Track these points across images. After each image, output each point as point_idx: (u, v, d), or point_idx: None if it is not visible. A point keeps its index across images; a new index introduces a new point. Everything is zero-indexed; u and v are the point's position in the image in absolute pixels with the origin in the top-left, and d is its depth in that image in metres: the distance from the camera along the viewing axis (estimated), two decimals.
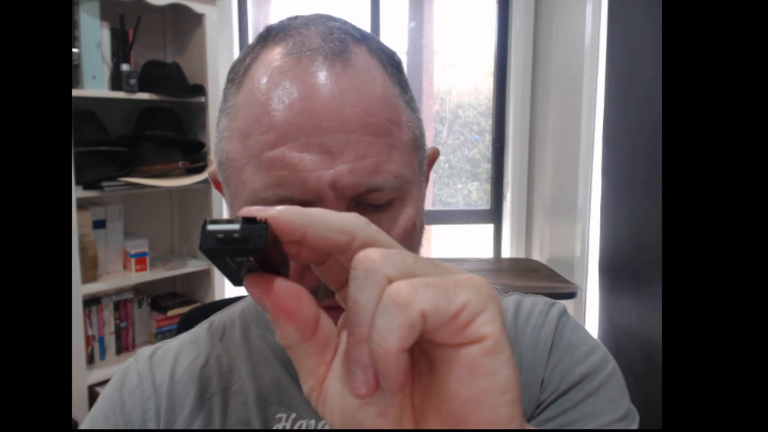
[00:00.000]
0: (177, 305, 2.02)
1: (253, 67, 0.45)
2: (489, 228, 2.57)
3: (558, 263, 2.15)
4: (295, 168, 0.41)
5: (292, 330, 0.25)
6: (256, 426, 0.50)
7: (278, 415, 0.51)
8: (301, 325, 0.25)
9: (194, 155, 1.93)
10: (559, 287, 1.92)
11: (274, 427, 0.50)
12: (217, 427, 0.51)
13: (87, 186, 1.70)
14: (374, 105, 0.43)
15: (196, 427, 0.51)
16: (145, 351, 0.56)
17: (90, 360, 1.83)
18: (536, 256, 2.40)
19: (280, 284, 0.24)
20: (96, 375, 1.78)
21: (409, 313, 0.22)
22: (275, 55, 0.44)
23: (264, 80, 0.43)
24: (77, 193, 1.68)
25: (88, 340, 1.82)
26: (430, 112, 2.55)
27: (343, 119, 0.41)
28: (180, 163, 1.83)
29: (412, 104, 0.48)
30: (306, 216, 0.24)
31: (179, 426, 0.51)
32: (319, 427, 0.50)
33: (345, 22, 0.47)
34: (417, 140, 0.47)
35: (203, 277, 2.03)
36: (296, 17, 0.47)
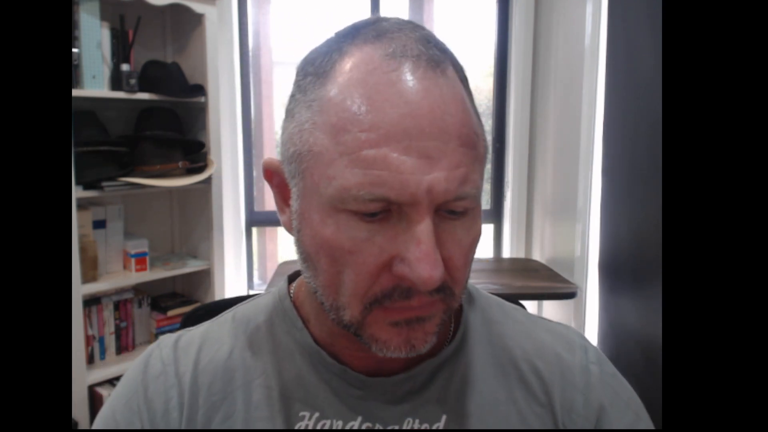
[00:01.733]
0: (177, 305, 2.03)
1: (343, 62, 0.44)
2: (489, 228, 2.57)
3: (558, 263, 2.15)
4: (397, 170, 0.41)
5: None
6: (279, 422, 0.50)
7: (301, 413, 0.50)
8: None
9: (194, 155, 1.93)
10: (559, 287, 1.92)
11: (297, 426, 0.50)
12: (239, 420, 0.50)
13: (87, 186, 1.70)
14: (466, 117, 0.44)
15: (218, 419, 0.51)
16: (168, 338, 0.56)
17: (90, 360, 1.83)
18: (536, 256, 2.40)
19: None
20: (96, 375, 1.78)
21: None
22: (374, 54, 0.44)
23: (363, 78, 0.43)
24: (77, 193, 1.68)
25: (88, 340, 1.82)
26: None
27: (444, 127, 0.42)
28: (180, 163, 1.83)
29: (480, 118, 0.49)
30: None
31: (200, 417, 0.51)
32: (347, 427, 0.50)
33: (430, 31, 0.48)
34: (487, 153, 0.49)
35: (203, 277, 2.03)
36: (379, 18, 0.47)
